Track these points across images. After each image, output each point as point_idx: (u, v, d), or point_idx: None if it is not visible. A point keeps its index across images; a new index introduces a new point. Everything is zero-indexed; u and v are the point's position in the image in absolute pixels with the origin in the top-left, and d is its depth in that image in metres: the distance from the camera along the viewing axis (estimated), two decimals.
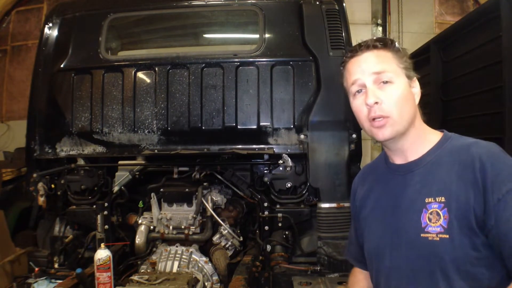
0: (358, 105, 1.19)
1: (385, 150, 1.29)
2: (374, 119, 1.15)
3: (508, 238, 0.99)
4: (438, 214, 1.08)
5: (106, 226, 2.68)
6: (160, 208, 2.69)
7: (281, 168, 2.59)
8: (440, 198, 1.09)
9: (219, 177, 2.71)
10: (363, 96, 1.17)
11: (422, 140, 1.20)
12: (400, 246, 1.17)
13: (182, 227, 2.64)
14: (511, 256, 1.00)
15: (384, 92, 1.14)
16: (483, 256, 1.04)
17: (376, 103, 1.13)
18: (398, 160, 1.25)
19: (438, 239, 1.07)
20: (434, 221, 1.09)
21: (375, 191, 1.32)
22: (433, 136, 1.21)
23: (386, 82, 1.15)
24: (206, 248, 2.70)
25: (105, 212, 2.69)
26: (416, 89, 1.21)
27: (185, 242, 2.64)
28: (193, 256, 2.54)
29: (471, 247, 1.04)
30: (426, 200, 1.12)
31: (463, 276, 1.05)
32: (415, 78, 1.21)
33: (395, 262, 1.19)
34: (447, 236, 1.06)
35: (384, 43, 1.18)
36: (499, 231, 1.00)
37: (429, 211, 1.10)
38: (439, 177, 1.12)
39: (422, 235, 1.11)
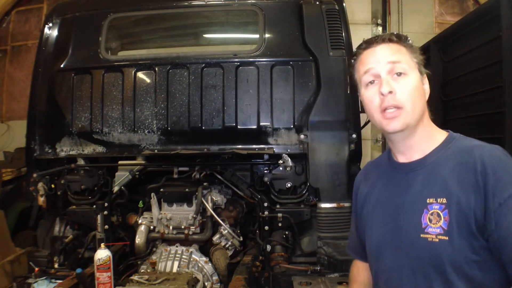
0: (370, 96, 1.18)
1: (390, 146, 1.28)
2: (385, 109, 1.14)
3: (508, 243, 0.99)
4: (438, 215, 1.08)
5: (106, 226, 2.69)
6: (160, 208, 2.69)
7: (281, 168, 2.59)
8: (441, 199, 1.09)
9: (219, 177, 2.71)
10: (376, 87, 1.17)
11: (428, 139, 1.19)
12: (400, 245, 1.17)
13: (182, 227, 2.64)
14: (511, 261, 1.00)
15: (398, 84, 1.14)
16: (482, 259, 1.04)
17: (390, 92, 1.13)
18: (401, 158, 1.24)
19: (437, 240, 1.07)
20: (435, 222, 1.08)
21: (378, 188, 1.32)
22: (439, 136, 1.21)
23: (400, 74, 1.15)
24: (206, 248, 2.70)
25: (105, 212, 2.69)
26: (426, 86, 1.22)
27: (185, 242, 2.64)
28: (193, 256, 2.54)
29: (470, 250, 1.04)
30: (428, 201, 1.11)
31: (462, 278, 1.05)
32: (425, 74, 1.22)
33: (395, 261, 1.19)
34: (447, 238, 1.06)
35: (400, 37, 1.19)
36: (499, 236, 1.00)
37: (430, 212, 1.10)
38: (441, 178, 1.11)
39: (421, 235, 1.10)
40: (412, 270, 1.14)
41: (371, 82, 1.18)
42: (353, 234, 1.49)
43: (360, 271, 1.48)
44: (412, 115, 1.14)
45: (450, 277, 1.06)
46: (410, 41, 1.20)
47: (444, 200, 1.08)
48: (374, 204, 1.31)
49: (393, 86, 1.14)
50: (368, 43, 1.21)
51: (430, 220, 1.10)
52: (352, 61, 1.26)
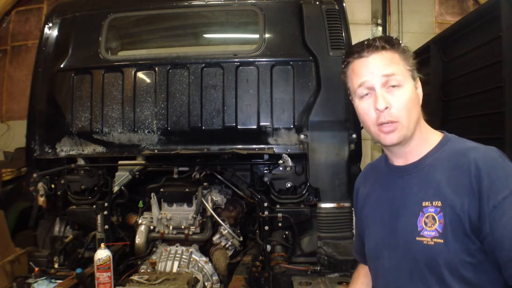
0: (365, 108, 1.17)
1: (385, 151, 1.28)
2: (382, 123, 1.14)
3: (504, 245, 0.99)
4: (434, 218, 1.08)
5: (106, 226, 2.69)
6: (160, 208, 2.69)
7: (281, 168, 2.59)
8: (436, 202, 1.09)
9: (219, 177, 2.71)
10: (371, 99, 1.15)
11: (424, 142, 1.19)
12: (397, 248, 1.18)
13: (182, 227, 2.64)
14: (507, 263, 1.00)
15: (393, 96, 1.13)
16: (478, 261, 1.04)
17: (387, 108, 1.12)
18: (397, 161, 1.24)
19: (432, 243, 1.08)
20: (430, 225, 1.09)
21: (375, 191, 1.33)
22: (434, 137, 1.20)
23: (395, 85, 1.13)
24: (206, 248, 2.70)
25: (105, 212, 2.69)
26: (420, 90, 1.21)
27: (185, 242, 2.64)
28: (193, 256, 2.54)
29: (466, 252, 1.04)
30: (423, 204, 1.12)
31: (458, 280, 1.05)
32: (418, 78, 1.20)
33: (392, 264, 1.19)
34: (442, 240, 1.06)
35: (392, 44, 1.16)
36: (494, 238, 1.00)
37: (426, 215, 1.10)
38: (436, 181, 1.11)
39: (417, 238, 1.11)
40: (409, 272, 1.14)
41: (366, 94, 1.17)
42: (356, 236, 1.50)
43: (360, 276, 1.48)
44: (408, 126, 1.14)
45: (446, 279, 1.06)
46: (402, 44, 1.18)
47: (439, 203, 1.08)
48: (372, 206, 1.32)
49: (389, 100, 1.12)
50: (359, 52, 1.17)
51: (426, 223, 1.10)
52: (343, 67, 1.24)
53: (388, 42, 1.15)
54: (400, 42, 1.18)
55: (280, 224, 2.55)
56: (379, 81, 1.14)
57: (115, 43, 3.23)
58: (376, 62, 1.15)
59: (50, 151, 2.84)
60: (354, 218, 2.11)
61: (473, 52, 3.13)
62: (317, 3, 2.69)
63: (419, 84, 1.21)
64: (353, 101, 1.24)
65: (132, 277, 2.19)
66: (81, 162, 2.78)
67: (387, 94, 1.13)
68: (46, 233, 2.91)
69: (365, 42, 1.17)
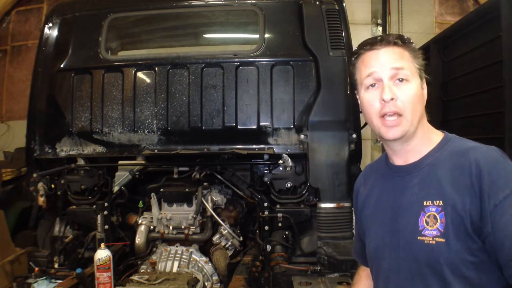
0: (371, 99, 1.17)
1: (386, 150, 1.28)
2: (385, 115, 1.14)
3: (505, 245, 0.99)
4: (435, 217, 1.09)
5: (106, 226, 2.69)
6: (160, 208, 2.69)
7: (281, 168, 2.59)
8: (438, 201, 1.09)
9: (219, 177, 2.71)
10: (377, 91, 1.16)
11: (425, 141, 1.19)
12: (398, 248, 1.17)
13: (182, 227, 2.64)
14: (507, 262, 1.00)
15: (399, 90, 1.14)
16: (479, 260, 1.04)
17: (392, 99, 1.12)
18: (398, 161, 1.24)
19: (434, 242, 1.08)
20: (431, 225, 1.09)
21: (376, 191, 1.32)
22: (435, 137, 1.21)
23: (402, 80, 1.14)
24: (206, 248, 2.70)
25: (105, 212, 2.69)
26: (425, 91, 1.21)
27: (185, 242, 2.64)
28: (193, 256, 2.54)
29: (467, 252, 1.04)
30: (424, 203, 1.12)
31: (459, 279, 1.05)
32: (424, 79, 1.21)
33: (393, 264, 1.19)
34: (443, 240, 1.06)
35: (404, 41, 1.18)
36: (495, 238, 1.00)
37: (427, 214, 1.10)
38: (437, 181, 1.12)
39: (419, 238, 1.11)
40: (410, 272, 1.14)
41: (372, 85, 1.18)
42: (356, 237, 1.49)
43: (362, 279, 1.48)
44: (412, 122, 1.14)
45: (447, 279, 1.06)
46: (413, 44, 1.19)
47: (441, 203, 1.08)
48: (373, 207, 1.32)
49: (395, 92, 1.13)
50: (372, 44, 1.18)
51: (427, 223, 1.10)
52: (353, 59, 1.25)
53: (400, 39, 1.18)
54: (412, 41, 1.20)
55: (280, 224, 2.55)
56: (388, 73, 1.15)
57: (115, 43, 3.23)
58: (387, 55, 1.16)
59: (50, 151, 2.84)
60: (354, 218, 2.11)
61: (473, 52, 3.13)
62: (317, 3, 2.69)
63: (425, 85, 1.21)
64: (359, 93, 1.24)
65: (132, 277, 2.19)
66: (81, 162, 2.78)
67: (394, 86, 1.14)
68: (46, 233, 2.91)
69: (378, 37, 1.20)
